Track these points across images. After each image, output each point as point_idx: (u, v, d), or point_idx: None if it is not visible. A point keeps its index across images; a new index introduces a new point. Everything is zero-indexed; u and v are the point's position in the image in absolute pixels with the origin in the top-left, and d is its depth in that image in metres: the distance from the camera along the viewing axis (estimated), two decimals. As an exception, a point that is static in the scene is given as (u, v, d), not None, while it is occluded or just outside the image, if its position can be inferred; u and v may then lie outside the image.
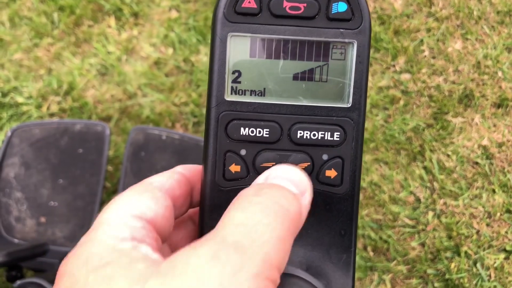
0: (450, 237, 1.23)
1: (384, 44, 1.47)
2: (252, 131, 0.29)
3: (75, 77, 1.38)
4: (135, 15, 1.50)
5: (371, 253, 1.21)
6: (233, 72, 0.29)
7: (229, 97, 0.29)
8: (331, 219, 0.29)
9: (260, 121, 0.29)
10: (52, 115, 1.35)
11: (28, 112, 1.34)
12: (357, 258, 1.20)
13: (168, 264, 0.22)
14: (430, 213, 1.25)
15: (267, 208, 0.23)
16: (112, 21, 1.48)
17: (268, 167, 0.28)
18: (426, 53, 1.47)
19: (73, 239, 1.06)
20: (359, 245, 1.22)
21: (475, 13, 1.50)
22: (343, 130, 0.29)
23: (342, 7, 0.28)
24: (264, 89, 0.29)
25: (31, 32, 1.45)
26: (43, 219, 1.06)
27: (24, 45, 1.43)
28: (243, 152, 0.29)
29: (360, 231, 1.22)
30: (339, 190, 0.29)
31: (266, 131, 0.29)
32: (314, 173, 0.29)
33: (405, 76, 1.42)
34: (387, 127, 1.34)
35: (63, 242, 1.06)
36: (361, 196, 1.25)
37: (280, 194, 0.24)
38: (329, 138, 0.29)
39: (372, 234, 1.22)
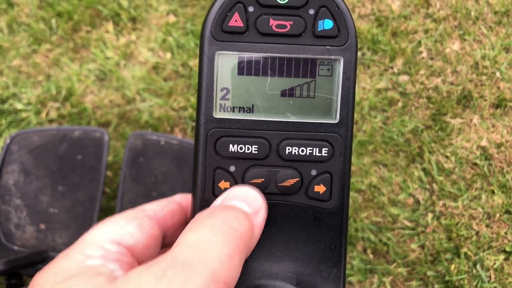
0: (449, 239, 1.23)
1: (382, 46, 1.47)
2: (241, 148, 0.29)
3: (73, 82, 1.38)
4: (133, 20, 1.50)
5: (371, 256, 1.21)
6: (221, 90, 0.29)
7: (218, 114, 0.29)
8: (321, 234, 0.29)
9: (249, 138, 0.29)
10: (51, 121, 1.35)
11: (27, 119, 1.35)
12: (356, 260, 1.20)
13: (124, 278, 0.23)
14: (430, 215, 1.25)
15: (217, 228, 0.24)
16: (110, 26, 1.48)
17: (257, 184, 0.29)
18: (424, 54, 1.47)
19: None
20: (359, 247, 1.22)
21: (472, 13, 1.50)
22: (331, 145, 0.29)
23: (328, 24, 0.29)
24: (253, 105, 0.29)
25: (30, 38, 1.46)
26: (42, 226, 1.07)
27: (22, 51, 1.44)
28: (232, 168, 0.29)
29: (359, 234, 1.22)
30: (328, 205, 0.29)
31: (254, 147, 0.29)
32: (303, 188, 0.29)
33: (403, 78, 1.43)
34: (386, 129, 1.34)
35: (63, 248, 1.01)
36: (360, 199, 1.25)
37: (232, 215, 0.25)
38: (317, 154, 0.29)
39: (372, 237, 1.22)
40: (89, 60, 1.43)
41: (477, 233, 1.24)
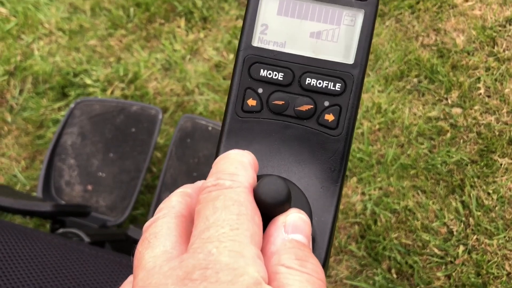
0: (478, 275, 1.21)
1: (440, 76, 1.48)
2: (270, 74, 0.34)
3: (140, 68, 1.48)
4: (204, 19, 1.59)
5: (395, 275, 1.22)
6: (262, 25, 0.34)
7: (256, 44, 0.34)
8: (325, 156, 0.34)
9: (277, 66, 0.34)
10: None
11: (94, 94, 1.45)
12: (379, 277, 1.21)
13: None
14: (461, 247, 1.24)
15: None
16: (182, 22, 1.58)
17: (278, 105, 0.34)
18: (482, 91, 1.47)
19: (114, 209, 1.15)
20: (384, 265, 1.23)
21: (538, 58, 1.49)
22: (344, 82, 0.34)
23: None
24: (285, 41, 0.34)
25: (108, 22, 1.57)
26: (90, 187, 1.15)
27: (99, 33, 1.56)
28: (260, 90, 0.34)
29: (386, 253, 1.23)
30: (334, 133, 0.34)
31: (281, 75, 0.34)
32: (315, 115, 0.34)
33: (456, 110, 1.43)
34: (431, 156, 1.35)
35: (104, 211, 1.14)
36: (393, 219, 1.27)
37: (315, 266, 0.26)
38: (331, 88, 0.34)
39: (399, 257, 1.23)
40: (158, 50, 1.53)
41: (508, 274, 1.22)
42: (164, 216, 0.27)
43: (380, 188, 1.30)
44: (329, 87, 0.34)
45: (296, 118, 0.34)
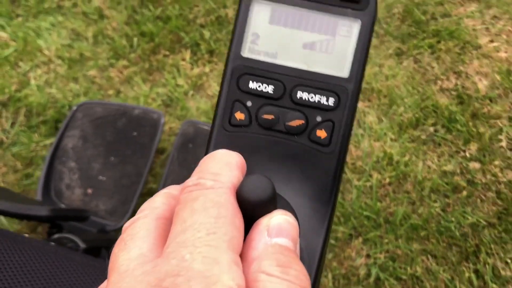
0: None
1: (459, 126, 1.38)
2: (259, 86, 0.32)
3: (140, 103, 1.40)
4: (211, 52, 1.51)
5: None
6: (252, 34, 0.33)
7: (245, 54, 0.33)
8: (316, 174, 0.32)
9: (268, 79, 0.33)
10: (110, 136, 1.38)
11: (89, 130, 1.38)
12: None
13: None
14: (473, 323, 1.14)
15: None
16: (187, 54, 1.50)
17: (268, 119, 0.32)
18: (504, 143, 1.36)
19: (113, 213, 1.14)
20: None
21: None
22: (338, 97, 0.32)
23: None
24: (277, 52, 0.33)
25: (110, 52, 1.50)
26: (90, 191, 1.14)
27: (100, 63, 1.49)
28: (249, 103, 0.33)
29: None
30: (326, 150, 0.32)
31: (271, 87, 0.32)
32: (306, 131, 0.32)
33: (475, 165, 1.32)
34: (444, 217, 1.24)
35: (104, 215, 1.13)
36: None
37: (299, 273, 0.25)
38: (324, 102, 0.32)
39: (403, 332, 1.13)
40: (160, 84, 1.45)
41: None
42: (145, 217, 0.26)
43: (387, 251, 1.20)
44: (321, 102, 0.32)
45: (286, 134, 0.32)
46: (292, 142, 0.32)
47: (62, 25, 1.56)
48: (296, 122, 0.32)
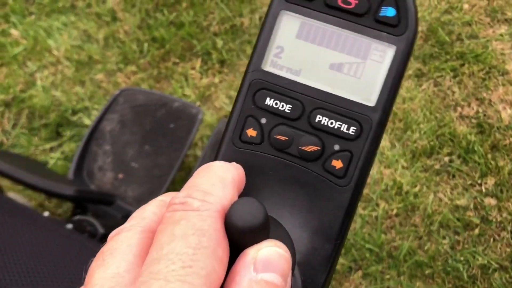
0: None
1: (476, 157, 1.30)
2: (276, 103, 0.30)
3: (144, 111, 1.37)
4: (222, 62, 1.46)
5: None
6: (277, 47, 0.31)
7: (266, 68, 0.31)
8: (326, 207, 0.30)
9: (287, 97, 0.30)
10: (112, 143, 1.34)
11: (91, 136, 1.35)
12: None
13: None
14: None
15: None
16: (198, 63, 1.46)
17: (281, 140, 0.30)
18: (524, 179, 1.27)
19: (140, 201, 1.13)
20: None
21: None
22: (360, 126, 0.30)
23: (391, 12, 0.30)
24: (300, 69, 0.31)
25: (120, 56, 1.47)
26: (121, 176, 1.15)
27: (109, 67, 1.45)
28: (263, 120, 0.30)
29: None
30: (340, 182, 0.30)
31: (289, 106, 0.30)
32: (321, 159, 0.30)
33: (490, 201, 1.24)
34: (452, 255, 1.17)
35: (131, 201, 1.13)
36: (397, 329, 1.10)
37: None
38: (344, 130, 0.30)
39: None
40: (166, 92, 1.41)
41: None
42: (129, 229, 0.25)
43: (388, 288, 1.13)
44: (341, 129, 0.30)
45: (299, 158, 0.30)
46: (303, 168, 0.30)
47: (74, 25, 1.53)
48: (311, 148, 0.30)
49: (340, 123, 0.30)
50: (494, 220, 1.21)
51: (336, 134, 0.30)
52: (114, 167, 1.15)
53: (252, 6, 1.57)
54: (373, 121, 0.30)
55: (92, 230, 0.93)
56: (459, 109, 1.39)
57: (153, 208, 0.26)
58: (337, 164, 0.29)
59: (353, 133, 0.30)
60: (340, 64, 0.30)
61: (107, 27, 1.53)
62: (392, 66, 0.30)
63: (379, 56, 0.30)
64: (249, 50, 1.49)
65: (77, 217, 0.96)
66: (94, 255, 0.24)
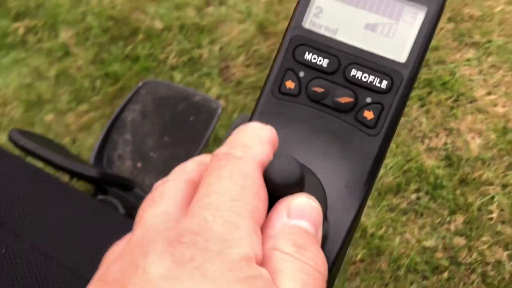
0: None
1: (444, 193, 1.24)
2: (314, 58, 0.32)
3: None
4: (179, 97, 1.40)
5: None
6: (316, 8, 0.33)
7: (307, 26, 0.33)
8: (356, 155, 0.31)
9: (324, 52, 0.32)
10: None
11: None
12: None
13: None
14: None
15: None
16: (153, 99, 1.39)
17: (317, 92, 0.32)
18: (494, 215, 1.22)
19: None
20: None
21: None
22: (391, 80, 0.31)
23: None
24: (338, 28, 0.32)
25: (71, 94, 1.40)
26: (139, 164, 1.17)
27: (59, 106, 1.38)
28: (301, 73, 0.32)
29: None
30: (371, 132, 0.31)
31: (326, 61, 0.32)
32: (354, 110, 0.31)
33: (459, 241, 1.18)
34: (420, 303, 1.11)
35: (148, 190, 1.07)
36: None
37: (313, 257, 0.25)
38: (376, 84, 0.31)
39: None
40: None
41: None
42: (175, 179, 0.26)
43: None
44: (374, 83, 0.31)
45: (333, 110, 0.32)
46: (337, 118, 0.32)
47: (24, 62, 1.46)
48: (345, 99, 0.32)
49: (373, 77, 0.31)
50: (463, 262, 1.16)
51: (369, 88, 0.31)
52: (133, 156, 1.19)
53: (212, 36, 1.51)
54: (403, 76, 0.31)
55: (114, 211, 0.97)
56: (426, 141, 1.34)
57: (193, 164, 0.27)
58: (369, 115, 0.31)
59: (384, 87, 0.31)
60: (375, 25, 0.32)
61: (59, 63, 1.46)
62: (423, 26, 0.31)
63: (411, 17, 0.32)
64: (208, 83, 1.43)
65: (100, 196, 1.01)
66: (121, 228, 0.24)
